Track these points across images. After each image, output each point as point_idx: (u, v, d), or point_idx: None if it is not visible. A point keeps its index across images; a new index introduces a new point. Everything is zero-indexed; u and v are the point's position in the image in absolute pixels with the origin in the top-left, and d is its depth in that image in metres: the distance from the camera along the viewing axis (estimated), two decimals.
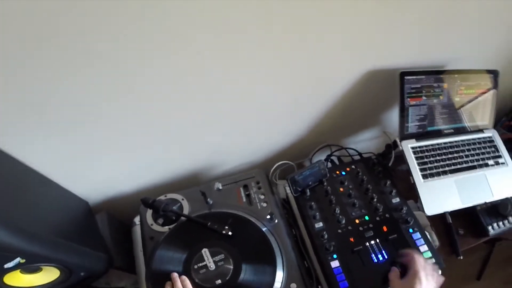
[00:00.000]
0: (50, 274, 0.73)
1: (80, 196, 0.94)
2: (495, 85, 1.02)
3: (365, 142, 1.17)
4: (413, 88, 0.94)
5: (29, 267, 0.69)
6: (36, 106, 0.64)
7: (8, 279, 0.68)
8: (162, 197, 0.87)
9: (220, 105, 0.81)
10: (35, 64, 0.57)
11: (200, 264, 0.74)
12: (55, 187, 0.86)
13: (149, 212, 0.85)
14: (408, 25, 0.80)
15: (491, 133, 1.04)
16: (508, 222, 0.99)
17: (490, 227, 0.98)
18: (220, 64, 0.70)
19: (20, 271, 0.69)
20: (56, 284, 0.75)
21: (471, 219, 1.01)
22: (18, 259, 0.63)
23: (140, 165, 0.91)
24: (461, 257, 0.96)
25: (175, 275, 0.72)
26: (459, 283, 1.64)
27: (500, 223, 0.99)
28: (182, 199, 0.86)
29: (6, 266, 0.63)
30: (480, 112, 1.03)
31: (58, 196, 0.86)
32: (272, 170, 1.00)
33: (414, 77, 0.93)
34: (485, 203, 0.96)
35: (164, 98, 0.74)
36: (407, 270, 0.72)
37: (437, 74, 0.95)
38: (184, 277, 0.72)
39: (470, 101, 1.01)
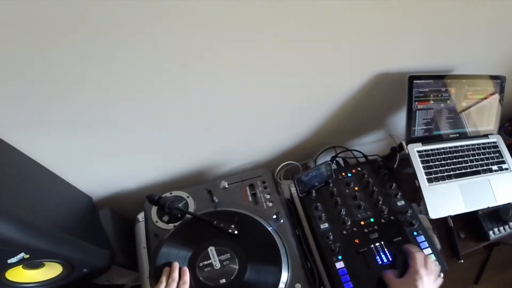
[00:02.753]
0: (52, 269, 0.72)
1: (84, 191, 0.93)
2: (502, 91, 1.02)
3: (369, 144, 1.17)
4: (421, 92, 0.93)
5: (32, 262, 0.68)
6: (44, 101, 0.64)
7: (10, 274, 0.67)
8: (167, 194, 0.86)
9: (224, 108, 0.81)
10: (45, 62, 0.56)
11: (206, 262, 0.74)
12: (59, 182, 0.84)
13: (154, 209, 0.85)
14: (417, 30, 0.79)
15: (495, 139, 1.05)
16: (509, 227, 1.00)
17: (491, 232, 0.99)
18: (225, 69, 0.70)
19: (22, 267, 0.68)
20: (58, 280, 0.74)
21: (472, 223, 1.02)
22: (22, 254, 0.61)
23: (145, 162, 0.91)
24: (462, 261, 0.97)
25: (176, 264, 0.72)
26: (457, 287, 1.65)
27: (501, 228, 0.99)
28: (188, 197, 0.86)
29: (9, 261, 0.61)
30: (486, 118, 1.04)
31: (62, 190, 0.85)
32: (277, 170, 1.00)
33: (423, 81, 0.93)
34: (488, 207, 0.96)
35: (169, 101, 0.73)
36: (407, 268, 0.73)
37: (444, 78, 0.95)
38: (185, 268, 0.72)
39: (476, 106, 1.01)
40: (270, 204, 0.84)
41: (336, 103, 0.94)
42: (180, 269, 0.72)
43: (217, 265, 0.74)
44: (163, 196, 0.83)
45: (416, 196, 0.94)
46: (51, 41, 0.53)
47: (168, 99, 0.73)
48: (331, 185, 0.88)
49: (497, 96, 1.03)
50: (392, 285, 0.72)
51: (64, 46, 0.54)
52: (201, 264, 0.74)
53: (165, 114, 0.77)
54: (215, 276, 0.73)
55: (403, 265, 0.76)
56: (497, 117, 1.05)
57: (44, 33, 0.51)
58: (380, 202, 0.86)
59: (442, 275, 0.79)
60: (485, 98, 1.02)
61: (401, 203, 0.87)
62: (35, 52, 0.54)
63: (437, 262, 0.78)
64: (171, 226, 0.82)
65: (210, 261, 0.74)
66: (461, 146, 1.00)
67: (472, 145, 1.01)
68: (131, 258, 0.92)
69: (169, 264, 0.73)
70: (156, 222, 0.83)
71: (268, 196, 0.86)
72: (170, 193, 0.87)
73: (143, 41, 0.58)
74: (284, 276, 0.74)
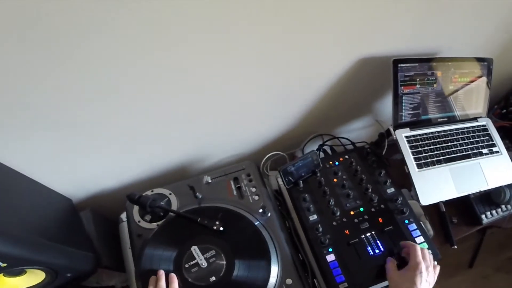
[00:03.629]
0: (35, 276, 0.71)
1: (62, 194, 0.89)
2: (489, 73, 1.01)
3: (357, 131, 1.15)
4: (406, 76, 0.91)
5: (12, 270, 0.66)
6: (12, 103, 0.60)
7: None
8: (148, 192, 0.83)
9: (204, 100, 0.78)
10: (14, 64, 0.53)
11: (191, 263, 0.71)
12: (34, 186, 0.81)
13: (136, 209, 0.82)
14: (400, 12, 0.77)
15: (485, 122, 1.03)
16: (501, 210, 0.99)
17: (483, 216, 0.99)
18: (205, 60, 0.67)
19: (3, 275, 0.67)
20: (42, 287, 0.72)
21: (464, 208, 1.01)
22: None
23: (124, 160, 0.87)
24: (456, 247, 0.96)
25: (161, 272, 0.69)
26: (452, 272, 1.66)
27: (494, 212, 0.99)
28: (170, 194, 0.83)
29: None
30: (474, 101, 1.02)
31: (38, 194, 0.82)
32: (263, 161, 0.97)
33: (408, 64, 0.90)
34: (479, 191, 0.95)
35: (147, 96, 0.70)
36: (405, 262, 0.71)
37: (430, 61, 0.93)
38: (173, 275, 0.69)
39: (464, 89, 1.00)
40: (256, 198, 0.82)
41: (320, 90, 0.91)
42: (167, 276, 0.69)
43: (204, 263, 0.71)
44: (143, 194, 0.80)
45: (406, 182, 0.92)
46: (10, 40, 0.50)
47: (145, 93, 0.69)
48: (318, 174, 0.86)
49: (484, 78, 1.01)
50: (392, 276, 0.70)
51: (28, 44, 0.51)
52: (187, 265, 0.71)
53: (142, 109, 0.74)
54: (204, 275, 0.70)
55: (399, 257, 0.74)
56: (486, 100, 1.03)
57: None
58: (370, 190, 0.84)
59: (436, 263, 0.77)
60: (473, 81, 1.00)
61: (391, 190, 0.85)
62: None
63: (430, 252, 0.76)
64: (154, 225, 0.79)
65: (196, 260, 0.72)
66: (450, 130, 0.99)
67: (461, 128, 1.00)
68: (117, 259, 0.90)
69: (155, 272, 0.70)
70: (139, 222, 0.80)
71: (253, 189, 0.83)
72: (152, 191, 0.84)
73: (116, 34, 0.55)
74: (274, 270, 0.72)
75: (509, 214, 1.00)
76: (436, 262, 0.74)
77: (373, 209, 0.82)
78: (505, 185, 0.97)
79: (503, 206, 0.99)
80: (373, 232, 0.78)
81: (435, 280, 0.69)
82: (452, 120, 1.00)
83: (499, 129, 1.04)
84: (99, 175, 0.89)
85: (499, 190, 0.97)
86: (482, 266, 1.71)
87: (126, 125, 0.76)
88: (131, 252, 0.82)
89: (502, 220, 1.02)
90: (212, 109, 0.82)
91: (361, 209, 0.82)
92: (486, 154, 0.98)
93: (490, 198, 1.00)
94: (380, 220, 0.80)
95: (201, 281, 0.69)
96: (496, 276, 1.69)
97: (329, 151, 1.01)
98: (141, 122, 0.77)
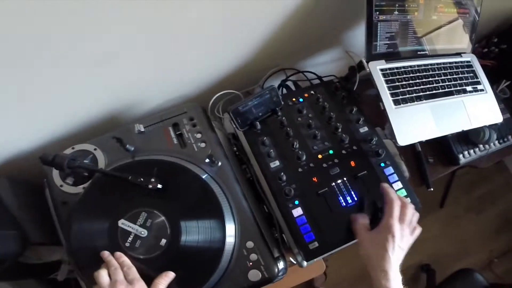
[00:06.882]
0: None
1: None
2: (477, 6, 0.89)
3: (325, 65, 1.01)
4: (383, 0, 0.77)
5: None
6: None
7: None
8: (68, 150, 0.68)
9: (138, 28, 0.60)
10: None
11: (130, 239, 0.58)
12: None
13: (56, 172, 0.67)
14: None
15: (469, 58, 0.93)
16: (479, 150, 0.95)
17: (461, 155, 0.94)
18: None
19: None
20: None
21: (441, 147, 0.96)
22: None
23: (37, 114, 0.69)
24: (432, 189, 0.91)
25: (107, 254, 0.57)
26: (423, 212, 1.65)
27: (471, 151, 0.95)
28: (95, 149, 0.68)
29: None
30: (458, 34, 0.91)
31: None
32: (211, 102, 0.81)
33: None
34: (462, 131, 0.86)
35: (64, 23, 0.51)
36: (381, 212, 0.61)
37: None
38: (119, 253, 0.57)
39: (448, 21, 0.88)
40: (203, 145, 0.68)
41: (280, 17, 0.74)
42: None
43: (143, 232, 0.58)
44: (61, 154, 0.63)
45: (379, 121, 0.82)
46: None
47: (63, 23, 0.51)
48: (279, 114, 0.73)
49: (472, 12, 0.89)
50: (361, 240, 0.61)
51: None
52: (127, 244, 0.58)
53: (62, 44, 0.55)
54: (152, 243, 0.58)
55: (373, 208, 0.65)
56: (471, 35, 0.92)
57: None
58: (340, 130, 0.72)
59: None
60: (460, 13, 0.88)
61: (364, 129, 0.74)
62: None
63: (415, 211, 0.65)
64: (80, 188, 0.65)
65: (133, 233, 0.58)
66: (431, 64, 0.87)
67: (444, 63, 0.89)
68: (51, 232, 0.75)
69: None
70: (61, 186, 0.67)
71: (198, 136, 0.69)
72: (73, 148, 0.68)
73: None
74: (230, 229, 0.62)
75: (486, 154, 0.95)
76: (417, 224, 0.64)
77: (344, 151, 0.71)
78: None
79: (481, 146, 0.94)
80: (344, 179, 0.68)
81: (411, 243, 0.60)
82: (434, 53, 0.89)
83: None
84: (9, 138, 0.71)
85: (477, 130, 0.90)
86: (453, 205, 1.72)
87: (38, 66, 0.57)
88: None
89: (479, 160, 0.97)
90: (146, 37, 0.63)
91: (330, 151, 0.71)
92: (470, 91, 0.88)
93: (468, 137, 0.94)
94: (353, 163, 0.70)
95: (154, 251, 0.58)
96: (466, 216, 1.71)
97: (292, 87, 0.88)
98: (48, 65, 0.58)
